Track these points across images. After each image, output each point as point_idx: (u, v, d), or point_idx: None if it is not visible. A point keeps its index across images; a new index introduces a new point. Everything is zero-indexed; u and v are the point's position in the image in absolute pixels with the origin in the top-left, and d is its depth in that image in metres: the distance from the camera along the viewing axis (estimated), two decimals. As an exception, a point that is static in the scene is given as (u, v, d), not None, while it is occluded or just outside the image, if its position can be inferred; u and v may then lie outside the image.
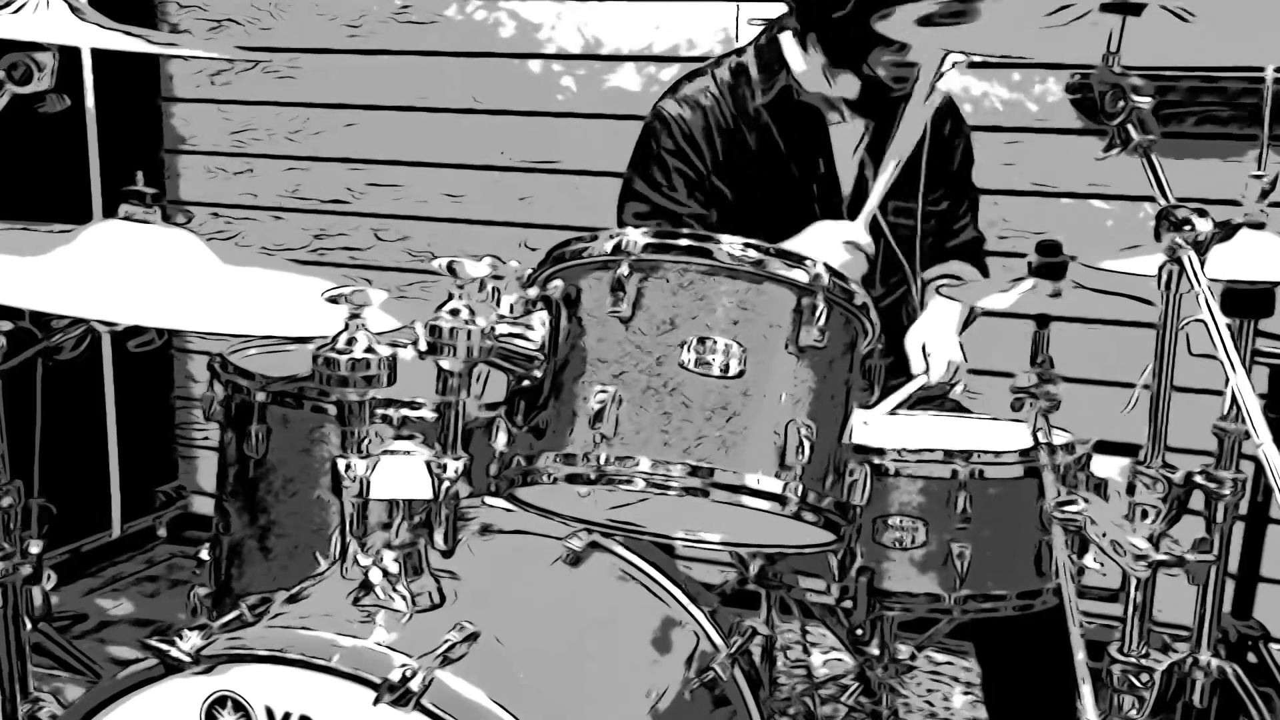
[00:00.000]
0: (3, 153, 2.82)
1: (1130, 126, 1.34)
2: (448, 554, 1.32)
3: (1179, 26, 1.39)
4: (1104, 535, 1.40)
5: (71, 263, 1.41)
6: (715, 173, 2.16)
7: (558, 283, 1.39)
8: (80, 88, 3.30)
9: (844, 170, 2.21)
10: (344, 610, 1.29)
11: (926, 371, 2.09)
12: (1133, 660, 1.41)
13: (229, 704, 1.23)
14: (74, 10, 1.52)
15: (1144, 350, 1.41)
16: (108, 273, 1.40)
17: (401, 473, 1.28)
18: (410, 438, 1.32)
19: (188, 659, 1.21)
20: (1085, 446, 1.63)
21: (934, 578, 1.61)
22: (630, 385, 1.34)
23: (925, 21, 1.48)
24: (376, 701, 1.17)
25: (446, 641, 1.23)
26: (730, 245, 1.36)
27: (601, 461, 1.33)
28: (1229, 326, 1.30)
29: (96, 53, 3.25)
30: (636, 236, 1.36)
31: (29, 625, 1.67)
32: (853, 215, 2.12)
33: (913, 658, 1.90)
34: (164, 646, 1.21)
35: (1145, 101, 1.34)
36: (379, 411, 1.33)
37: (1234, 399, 1.50)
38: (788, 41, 2.19)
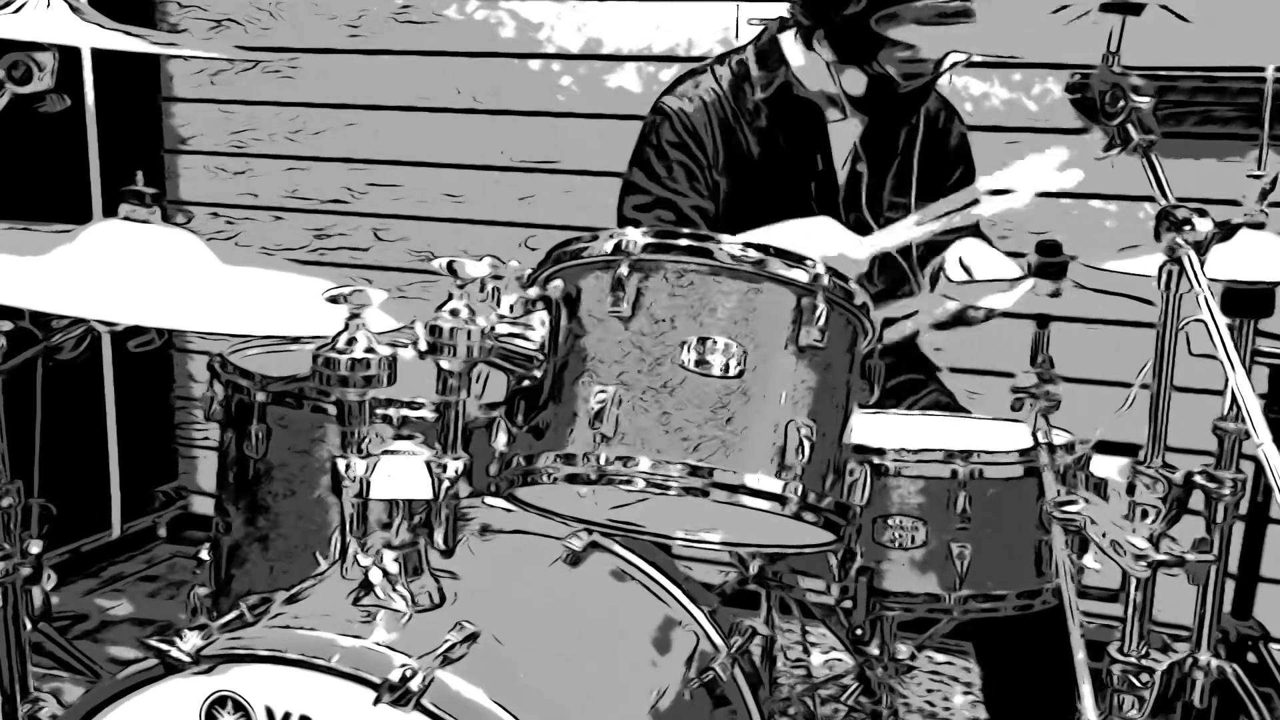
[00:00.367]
0: (3, 153, 2.82)
1: (1130, 126, 1.34)
2: (448, 554, 1.32)
3: (1179, 26, 1.39)
4: (1104, 535, 1.40)
5: (71, 263, 1.41)
6: (714, 166, 2.16)
7: (558, 283, 1.39)
8: (80, 87, 3.30)
9: (841, 168, 2.21)
10: (344, 610, 1.29)
11: (970, 274, 2.01)
12: (1133, 660, 1.41)
13: (229, 704, 1.23)
14: (74, 10, 1.52)
15: (1144, 350, 1.41)
16: (108, 273, 1.40)
17: (401, 473, 1.28)
18: (410, 438, 1.32)
19: (188, 659, 1.21)
20: (1086, 446, 1.63)
21: (934, 578, 1.61)
22: (630, 385, 1.34)
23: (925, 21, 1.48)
24: (376, 701, 1.17)
25: (446, 641, 1.23)
26: (730, 245, 1.36)
27: (601, 461, 1.32)
28: (1229, 326, 1.30)
29: (96, 52, 3.25)
30: (636, 236, 1.36)
31: (29, 625, 1.67)
32: (846, 209, 2.14)
33: (913, 658, 1.89)
34: (164, 646, 1.21)
35: (1145, 101, 1.34)
36: (379, 411, 1.34)
37: (1234, 399, 1.50)
38: (788, 40, 2.19)
